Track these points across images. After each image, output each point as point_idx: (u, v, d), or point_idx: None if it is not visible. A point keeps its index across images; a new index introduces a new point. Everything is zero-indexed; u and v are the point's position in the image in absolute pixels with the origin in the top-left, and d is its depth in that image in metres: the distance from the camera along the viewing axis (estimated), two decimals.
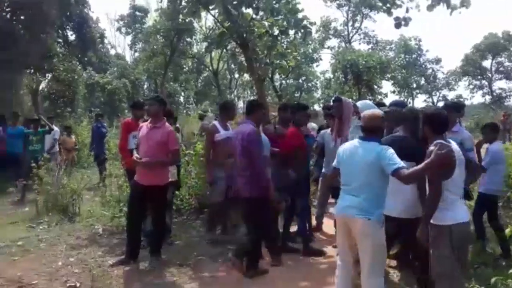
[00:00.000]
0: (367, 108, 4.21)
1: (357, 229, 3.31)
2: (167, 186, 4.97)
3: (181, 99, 36.33)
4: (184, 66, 33.08)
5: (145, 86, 33.91)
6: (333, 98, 5.87)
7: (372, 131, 3.42)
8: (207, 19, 24.38)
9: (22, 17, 15.74)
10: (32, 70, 19.05)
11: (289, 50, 7.34)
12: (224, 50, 25.75)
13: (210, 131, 5.97)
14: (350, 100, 5.21)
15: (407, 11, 6.61)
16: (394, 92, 39.91)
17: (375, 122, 3.44)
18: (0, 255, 5.13)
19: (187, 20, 19.98)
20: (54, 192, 7.10)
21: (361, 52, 25.12)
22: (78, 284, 4.19)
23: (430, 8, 6.29)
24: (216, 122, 5.99)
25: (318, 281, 4.39)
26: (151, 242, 4.95)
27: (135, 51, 36.30)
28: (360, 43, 40.86)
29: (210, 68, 30.78)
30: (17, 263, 4.87)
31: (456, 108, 4.99)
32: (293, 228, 5.56)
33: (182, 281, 4.37)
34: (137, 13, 35.25)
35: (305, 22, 6.94)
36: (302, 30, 6.86)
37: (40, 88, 27.62)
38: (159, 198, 4.82)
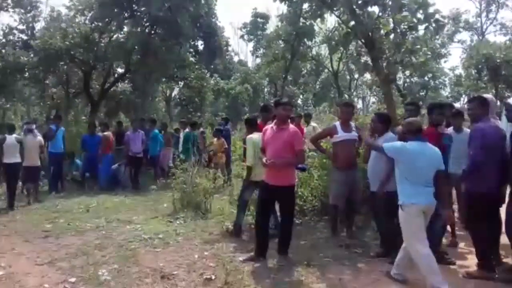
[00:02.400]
0: None
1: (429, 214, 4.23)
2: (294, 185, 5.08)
3: (299, 101, 36.61)
4: (303, 69, 33.32)
5: (265, 90, 34.89)
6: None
7: None
8: (328, 21, 24.15)
9: (159, 31, 17.30)
10: (167, 79, 20.80)
11: (418, 46, 6.93)
12: (344, 51, 25.40)
13: (328, 131, 6.01)
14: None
15: None
16: None
17: None
18: (146, 247, 5.67)
19: (307, 23, 20.09)
20: (188, 190, 7.69)
21: (499, 45, 22.68)
22: (213, 277, 4.46)
23: None
24: (337, 123, 5.94)
25: None
26: (281, 241, 5.06)
27: (257, 56, 37.71)
28: (495, 35, 36.98)
29: (330, 69, 30.50)
30: (159, 254, 5.34)
31: None
32: None
33: (310, 281, 4.40)
34: (259, 20, 36.52)
35: (437, 15, 6.51)
36: (434, 25, 6.44)
37: (173, 95, 30.27)
38: (288, 198, 4.94)
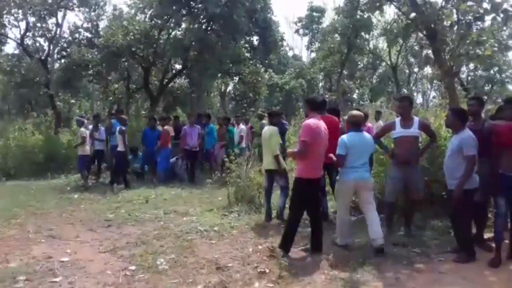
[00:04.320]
0: None
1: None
2: None
3: (355, 95, 35.84)
4: (360, 63, 32.60)
5: (320, 85, 34.50)
6: None
7: None
8: (387, 13, 23.40)
9: (215, 27, 17.55)
10: (222, 74, 21.08)
11: (485, 38, 6.54)
12: (404, 44, 24.54)
13: (387, 128, 5.96)
14: None
15: None
16: None
17: None
18: (201, 238, 5.81)
19: (365, 16, 19.60)
20: (242, 184, 7.77)
21: None
22: (267, 271, 4.49)
23: None
24: (397, 119, 5.77)
25: None
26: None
27: (312, 51, 37.32)
28: None
29: (388, 63, 29.60)
30: (214, 246, 5.45)
31: None
32: None
33: (366, 279, 4.30)
34: (314, 13, 36.06)
35: (505, 5, 6.10)
36: (502, 15, 6.03)
37: (227, 90, 30.70)
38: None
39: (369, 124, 9.65)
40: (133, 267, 4.69)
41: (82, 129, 10.70)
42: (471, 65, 28.35)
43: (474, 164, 4.67)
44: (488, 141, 4.87)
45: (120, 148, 10.18)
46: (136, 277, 4.43)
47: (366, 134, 5.36)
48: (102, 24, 22.06)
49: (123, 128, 10.18)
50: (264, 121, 13.15)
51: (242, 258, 4.94)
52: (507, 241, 4.84)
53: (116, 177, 10.47)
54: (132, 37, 16.99)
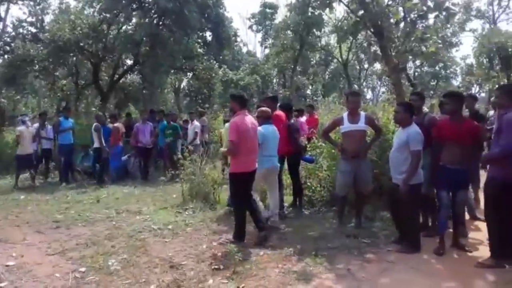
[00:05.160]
0: None
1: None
2: None
3: (308, 91, 36.42)
4: (312, 59, 33.12)
5: (274, 81, 34.77)
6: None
7: None
8: (337, 11, 23.93)
9: (167, 22, 17.27)
10: (175, 70, 20.82)
11: (428, 35, 6.83)
12: (354, 41, 25.16)
13: (335, 122, 6.14)
14: None
15: None
16: None
17: None
18: (155, 237, 5.71)
19: (316, 13, 19.92)
20: (197, 181, 7.71)
21: (511, 33, 22.24)
22: (221, 267, 4.48)
23: None
24: (344, 114, 5.93)
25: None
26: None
27: (266, 47, 37.52)
28: (507, 23, 36.39)
29: (340, 59, 30.28)
30: (168, 245, 5.38)
31: None
32: None
33: (318, 271, 4.39)
34: (267, 10, 36.26)
35: (447, 3, 6.40)
36: (445, 13, 6.32)
37: (181, 86, 30.33)
38: None
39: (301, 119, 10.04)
40: (83, 269, 4.55)
41: (18, 127, 10.52)
42: (418, 62, 29.51)
43: (419, 159, 4.83)
44: (429, 134, 5.09)
45: (97, 145, 10.36)
46: (86, 279, 4.30)
47: (274, 127, 6.06)
48: (48, 18, 21.23)
49: (99, 125, 10.42)
50: (204, 118, 13.31)
51: (196, 256, 4.91)
52: (450, 230, 5.09)
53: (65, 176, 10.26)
54: (80, 32, 16.49)
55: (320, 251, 4.91)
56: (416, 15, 6.67)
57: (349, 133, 5.79)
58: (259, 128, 5.76)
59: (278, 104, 7.15)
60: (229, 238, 5.39)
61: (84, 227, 6.34)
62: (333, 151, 7.17)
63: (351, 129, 5.75)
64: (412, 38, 6.59)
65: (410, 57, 7.17)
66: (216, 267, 4.50)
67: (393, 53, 6.85)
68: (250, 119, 5.48)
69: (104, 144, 10.52)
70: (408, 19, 6.69)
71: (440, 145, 4.98)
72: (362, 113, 5.92)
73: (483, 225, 5.85)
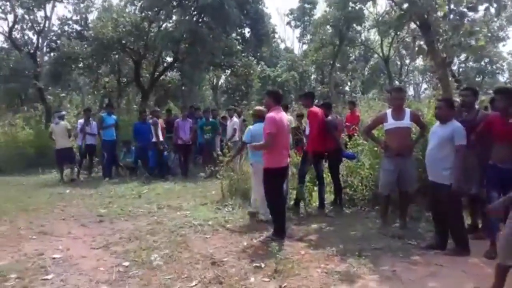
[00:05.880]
0: None
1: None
2: None
3: (347, 88, 35.85)
4: (351, 55, 32.54)
5: (312, 77, 34.43)
6: None
7: None
8: (378, 5, 23.37)
9: (206, 19, 17.37)
10: (214, 67, 20.94)
11: (478, 29, 6.51)
12: (396, 36, 24.51)
13: (378, 119, 5.93)
14: None
15: None
16: None
17: None
18: (196, 233, 5.74)
19: (357, 8, 19.52)
20: (236, 178, 7.72)
21: None
22: (263, 265, 4.44)
23: None
24: (388, 111, 5.76)
25: None
26: None
27: (303, 43, 37.22)
28: None
29: (380, 55, 29.59)
30: (208, 241, 5.39)
31: None
32: None
33: (362, 272, 4.27)
34: (306, 5, 35.89)
35: None
36: (495, 5, 6.00)
37: (219, 83, 30.53)
38: None
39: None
40: (126, 263, 4.61)
41: (52, 124, 11.22)
42: (462, 57, 28.43)
43: (464, 155, 4.63)
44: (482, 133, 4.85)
45: (154, 139, 10.70)
46: (129, 273, 4.36)
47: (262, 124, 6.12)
48: (92, 16, 21.79)
49: (156, 119, 10.84)
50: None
51: (237, 253, 4.89)
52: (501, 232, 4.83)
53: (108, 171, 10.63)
54: (123, 30, 16.80)
55: (364, 252, 4.77)
56: (465, 7, 6.37)
57: (393, 130, 5.60)
58: (249, 127, 6.29)
59: (320, 103, 7.26)
60: (269, 236, 5.35)
61: (127, 222, 6.47)
62: (375, 149, 7.00)
63: (396, 126, 5.56)
64: (461, 32, 6.30)
65: (458, 51, 6.84)
66: (257, 265, 4.46)
67: (440, 47, 6.57)
68: (284, 115, 5.54)
69: (161, 139, 10.79)
70: (457, 11, 6.41)
71: (490, 143, 4.74)
72: (407, 110, 5.73)
73: None
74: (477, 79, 33.30)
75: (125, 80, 21.19)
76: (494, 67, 35.09)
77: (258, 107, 6.59)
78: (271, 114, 5.32)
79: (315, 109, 6.71)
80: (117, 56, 18.77)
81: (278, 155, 5.33)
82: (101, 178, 10.80)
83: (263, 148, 5.45)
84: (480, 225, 5.42)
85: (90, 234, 5.84)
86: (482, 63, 33.72)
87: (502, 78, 35.15)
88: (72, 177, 10.74)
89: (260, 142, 5.58)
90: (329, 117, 6.91)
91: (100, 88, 21.66)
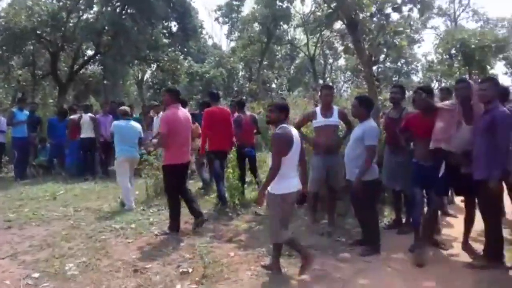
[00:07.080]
0: None
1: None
2: None
3: (273, 85, 36.31)
4: (277, 53, 32.97)
5: (240, 74, 34.41)
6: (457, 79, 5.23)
7: None
8: (305, 3, 23.80)
9: (131, 11, 16.62)
10: (139, 61, 20.19)
11: (401, 28, 6.74)
12: (320, 36, 25.18)
13: (307, 117, 5.91)
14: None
15: None
16: (506, 73, 35.93)
17: None
18: (117, 237, 5.35)
19: (284, 6, 19.74)
20: (162, 177, 7.33)
21: (473, 31, 22.92)
22: (190, 270, 4.19)
23: None
24: (317, 108, 5.75)
25: None
26: None
27: (231, 40, 37.00)
28: (467, 21, 37.51)
29: (307, 53, 30.24)
30: (131, 246, 5.04)
31: None
32: None
33: (293, 272, 4.17)
34: (234, 2, 35.71)
35: None
36: (419, 5, 6.22)
37: (145, 78, 29.55)
38: None
39: None
40: (36, 275, 4.15)
41: None
42: (381, 57, 29.92)
43: (374, 155, 4.69)
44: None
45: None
46: (39, 286, 3.92)
47: (133, 122, 7.21)
48: (3, 3, 20.01)
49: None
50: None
51: (162, 258, 4.59)
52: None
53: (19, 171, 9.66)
54: (38, 19, 15.59)
55: (294, 251, 4.68)
56: (390, 8, 6.56)
57: (322, 128, 5.59)
58: (114, 122, 7.31)
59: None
60: (164, 230, 5.50)
61: (39, 227, 5.91)
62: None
63: (325, 123, 5.56)
64: (386, 32, 6.47)
65: (384, 50, 7.04)
66: (184, 270, 4.20)
67: (366, 46, 6.71)
68: (183, 112, 5.65)
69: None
70: (383, 11, 6.57)
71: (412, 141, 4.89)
72: (335, 107, 5.75)
73: (454, 221, 5.87)
74: (394, 78, 35.25)
75: (41, 73, 19.70)
76: (409, 67, 37.51)
77: (122, 107, 7.65)
78: (164, 114, 5.59)
79: (212, 109, 7.03)
80: (31, 47, 17.40)
81: (176, 152, 5.46)
82: (11, 179, 9.88)
83: (158, 147, 6.02)
84: (404, 220, 5.58)
85: None
86: (399, 63, 35.84)
87: (416, 78, 37.68)
88: None
89: (127, 136, 6.91)
90: (235, 115, 7.40)
91: (12, 81, 19.94)
